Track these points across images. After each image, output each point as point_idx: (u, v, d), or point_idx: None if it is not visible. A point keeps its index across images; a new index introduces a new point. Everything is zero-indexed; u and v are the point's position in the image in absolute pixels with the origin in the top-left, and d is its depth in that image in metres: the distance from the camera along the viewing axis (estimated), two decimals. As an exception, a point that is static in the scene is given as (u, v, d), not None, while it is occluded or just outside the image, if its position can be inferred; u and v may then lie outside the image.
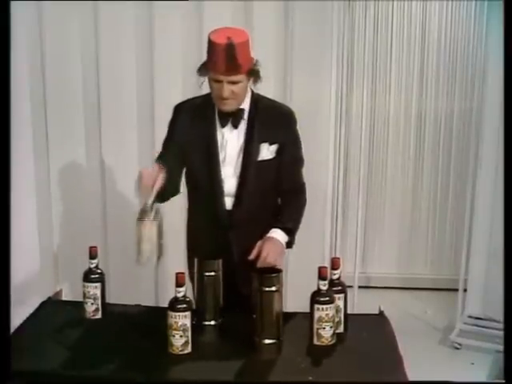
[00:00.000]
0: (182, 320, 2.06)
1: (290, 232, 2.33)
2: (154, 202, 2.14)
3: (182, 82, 3.28)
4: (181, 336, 2.07)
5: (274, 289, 2.06)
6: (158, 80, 3.36)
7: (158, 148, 3.27)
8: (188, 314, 2.07)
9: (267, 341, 2.07)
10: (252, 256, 2.21)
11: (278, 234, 2.29)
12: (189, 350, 2.08)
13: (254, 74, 2.27)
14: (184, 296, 2.09)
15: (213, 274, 2.21)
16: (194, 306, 2.16)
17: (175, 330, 2.07)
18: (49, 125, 3.40)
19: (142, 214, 2.13)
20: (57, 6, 3.26)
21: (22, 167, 2.97)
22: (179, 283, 2.08)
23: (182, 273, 2.11)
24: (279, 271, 2.12)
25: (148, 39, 3.33)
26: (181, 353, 2.07)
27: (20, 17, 2.94)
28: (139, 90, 3.39)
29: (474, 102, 3.83)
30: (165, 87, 3.34)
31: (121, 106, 3.40)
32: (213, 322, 2.21)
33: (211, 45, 2.20)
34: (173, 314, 2.07)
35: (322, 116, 3.37)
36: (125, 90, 3.38)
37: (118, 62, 3.35)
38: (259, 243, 2.24)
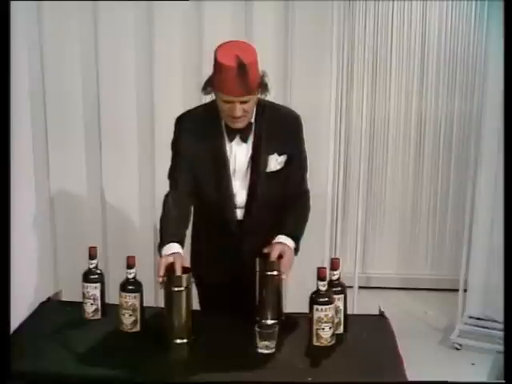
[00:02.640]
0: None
1: (297, 239, 2.31)
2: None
3: (182, 83, 3.28)
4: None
5: (275, 273, 2.17)
6: (158, 80, 3.35)
7: (158, 146, 3.32)
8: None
9: (268, 322, 2.15)
10: (273, 257, 2.18)
11: (288, 241, 2.26)
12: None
13: (263, 87, 2.23)
14: None
15: (181, 289, 2.11)
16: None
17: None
18: (48, 125, 3.39)
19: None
20: (56, 7, 3.26)
21: (21, 168, 2.96)
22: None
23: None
24: (280, 257, 2.20)
25: (148, 40, 3.32)
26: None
27: (20, 17, 2.94)
28: (139, 91, 3.38)
29: (474, 103, 3.83)
30: (165, 87, 3.33)
31: (121, 107, 3.40)
32: (184, 340, 2.13)
33: (220, 67, 2.14)
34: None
35: (321, 117, 3.37)
36: (124, 91, 3.37)
37: (118, 62, 3.34)
38: (276, 247, 2.21)
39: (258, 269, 2.20)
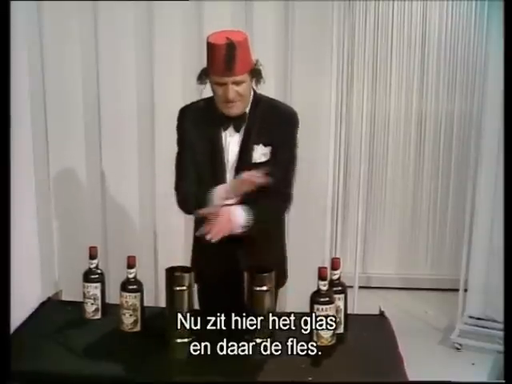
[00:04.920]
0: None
1: (253, 214, 2.23)
2: None
3: (182, 83, 3.28)
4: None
5: (264, 288, 2.06)
6: (158, 80, 3.36)
7: (158, 146, 3.33)
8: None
9: (258, 340, 2.03)
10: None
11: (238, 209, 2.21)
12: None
13: (256, 73, 2.25)
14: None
15: (184, 288, 2.10)
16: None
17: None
18: (48, 126, 3.39)
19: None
20: (57, 7, 3.26)
21: (21, 168, 2.96)
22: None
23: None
24: (271, 270, 2.10)
25: (148, 40, 3.32)
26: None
27: (20, 17, 2.94)
28: (139, 91, 3.38)
29: (475, 103, 3.84)
30: (165, 88, 3.34)
31: (121, 106, 3.40)
32: (185, 340, 2.08)
33: (211, 47, 2.19)
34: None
35: (322, 116, 3.37)
36: (125, 91, 3.38)
37: (118, 62, 3.34)
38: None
39: (244, 284, 2.11)
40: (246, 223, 2.21)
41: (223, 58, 2.15)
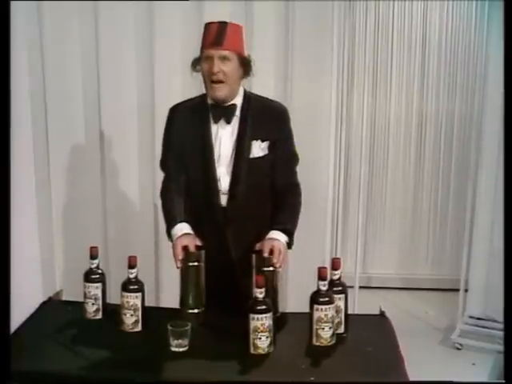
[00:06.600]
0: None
1: (289, 233, 2.33)
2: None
3: (182, 83, 3.28)
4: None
5: (270, 269, 2.17)
6: (159, 80, 3.36)
7: (159, 146, 3.31)
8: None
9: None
10: (266, 253, 2.20)
11: (280, 236, 2.28)
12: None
13: (245, 62, 2.32)
14: None
15: (196, 264, 2.23)
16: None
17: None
18: (49, 125, 3.39)
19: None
20: (57, 7, 3.26)
21: (21, 168, 2.96)
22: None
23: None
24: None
25: (148, 40, 3.33)
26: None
27: (20, 17, 2.94)
28: (139, 91, 3.39)
29: (475, 104, 3.84)
30: (165, 88, 3.34)
31: (121, 106, 3.40)
32: (196, 310, 2.25)
33: (206, 27, 2.32)
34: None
35: (322, 117, 3.37)
36: (125, 91, 3.38)
37: (119, 62, 3.35)
38: (267, 243, 2.23)
39: (253, 264, 2.21)
40: (289, 240, 2.32)
41: (213, 33, 2.27)
